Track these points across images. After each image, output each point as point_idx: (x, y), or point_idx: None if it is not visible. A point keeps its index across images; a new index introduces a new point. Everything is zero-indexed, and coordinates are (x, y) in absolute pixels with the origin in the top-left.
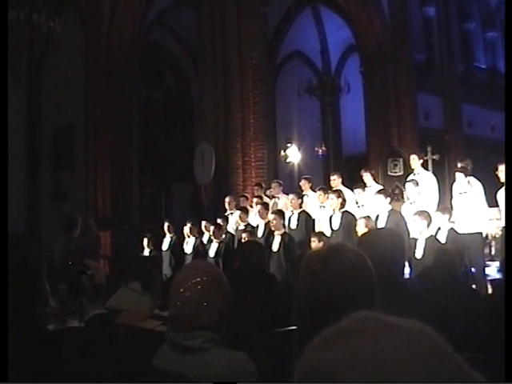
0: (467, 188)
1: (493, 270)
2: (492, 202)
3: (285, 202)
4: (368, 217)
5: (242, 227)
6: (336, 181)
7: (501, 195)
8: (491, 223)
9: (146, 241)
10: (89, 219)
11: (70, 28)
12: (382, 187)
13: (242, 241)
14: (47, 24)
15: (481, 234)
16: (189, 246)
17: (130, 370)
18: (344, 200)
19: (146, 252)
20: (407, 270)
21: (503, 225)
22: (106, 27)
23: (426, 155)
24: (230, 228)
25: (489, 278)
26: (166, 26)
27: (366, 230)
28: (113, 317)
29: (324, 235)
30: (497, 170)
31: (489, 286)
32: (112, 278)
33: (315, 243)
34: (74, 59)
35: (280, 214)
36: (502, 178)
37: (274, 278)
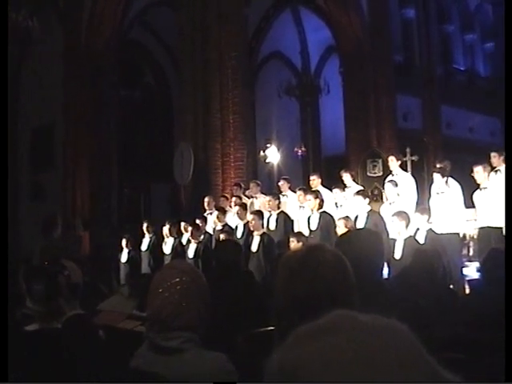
0: (444, 188)
1: (471, 271)
2: (470, 203)
3: (262, 202)
4: (347, 217)
5: (219, 227)
6: (315, 181)
7: (477, 196)
8: (468, 224)
9: (124, 241)
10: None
11: (49, 27)
12: (361, 188)
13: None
14: (26, 23)
15: (458, 234)
16: (167, 246)
17: (108, 371)
18: (322, 200)
19: (125, 252)
20: (386, 270)
21: (480, 225)
22: (85, 26)
23: (405, 156)
24: (209, 228)
25: (467, 279)
26: (146, 26)
27: (345, 230)
28: (91, 318)
29: (303, 235)
30: (472, 171)
31: (466, 287)
32: (90, 278)
33: (294, 243)
34: (53, 58)
35: (259, 214)
36: (478, 180)
37: (251, 276)
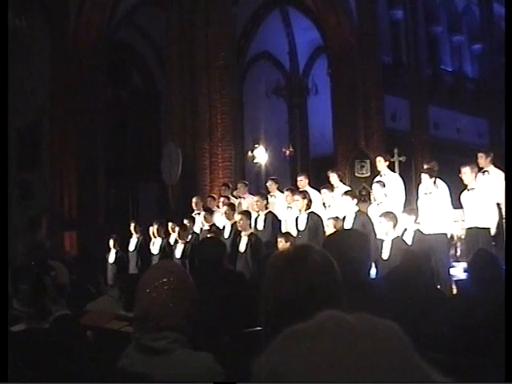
0: (432, 189)
1: (458, 271)
2: (457, 204)
3: (250, 202)
4: (337, 217)
5: (206, 227)
6: (303, 181)
7: (464, 197)
8: (456, 224)
9: (111, 241)
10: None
11: (37, 26)
12: (348, 188)
13: None
14: (13, 21)
15: (445, 234)
16: (155, 246)
17: (95, 372)
18: (310, 201)
19: (112, 253)
20: (374, 270)
21: (467, 226)
22: (73, 25)
23: (393, 157)
24: (197, 228)
25: (454, 279)
26: (134, 25)
27: (334, 230)
28: (78, 318)
29: (291, 236)
30: (460, 172)
31: (453, 287)
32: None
33: (282, 243)
34: (40, 57)
35: (247, 214)
36: (465, 181)
37: (234, 274)
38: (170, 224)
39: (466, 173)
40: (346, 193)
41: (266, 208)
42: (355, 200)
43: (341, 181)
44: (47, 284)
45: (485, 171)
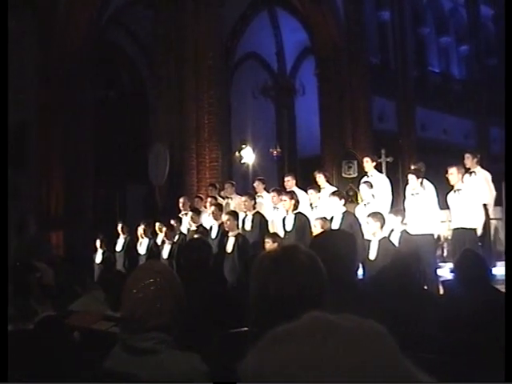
0: (419, 190)
1: (444, 271)
2: (444, 205)
3: (237, 202)
4: (324, 218)
5: (193, 228)
6: (290, 182)
7: (451, 198)
8: (443, 225)
9: (98, 242)
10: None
11: (24, 24)
12: (335, 189)
13: None
14: None
15: (432, 235)
16: (142, 246)
17: (81, 372)
18: (297, 201)
19: (99, 253)
20: (361, 271)
21: (454, 226)
22: (61, 25)
23: (380, 157)
24: (184, 229)
25: (440, 279)
26: (122, 25)
27: (321, 231)
28: (63, 319)
29: (278, 236)
30: (447, 172)
31: (440, 287)
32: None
33: (269, 244)
34: (27, 56)
35: (234, 214)
36: (452, 181)
37: (217, 274)
38: (157, 224)
39: (453, 173)
40: (333, 193)
41: (254, 208)
42: (343, 200)
43: (328, 181)
44: (32, 285)
45: (471, 172)
